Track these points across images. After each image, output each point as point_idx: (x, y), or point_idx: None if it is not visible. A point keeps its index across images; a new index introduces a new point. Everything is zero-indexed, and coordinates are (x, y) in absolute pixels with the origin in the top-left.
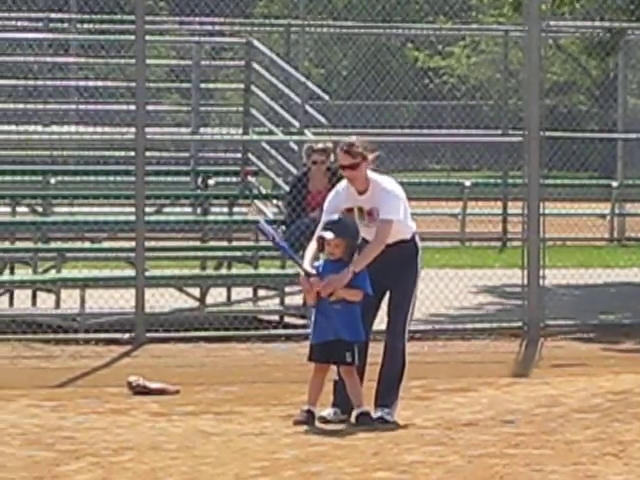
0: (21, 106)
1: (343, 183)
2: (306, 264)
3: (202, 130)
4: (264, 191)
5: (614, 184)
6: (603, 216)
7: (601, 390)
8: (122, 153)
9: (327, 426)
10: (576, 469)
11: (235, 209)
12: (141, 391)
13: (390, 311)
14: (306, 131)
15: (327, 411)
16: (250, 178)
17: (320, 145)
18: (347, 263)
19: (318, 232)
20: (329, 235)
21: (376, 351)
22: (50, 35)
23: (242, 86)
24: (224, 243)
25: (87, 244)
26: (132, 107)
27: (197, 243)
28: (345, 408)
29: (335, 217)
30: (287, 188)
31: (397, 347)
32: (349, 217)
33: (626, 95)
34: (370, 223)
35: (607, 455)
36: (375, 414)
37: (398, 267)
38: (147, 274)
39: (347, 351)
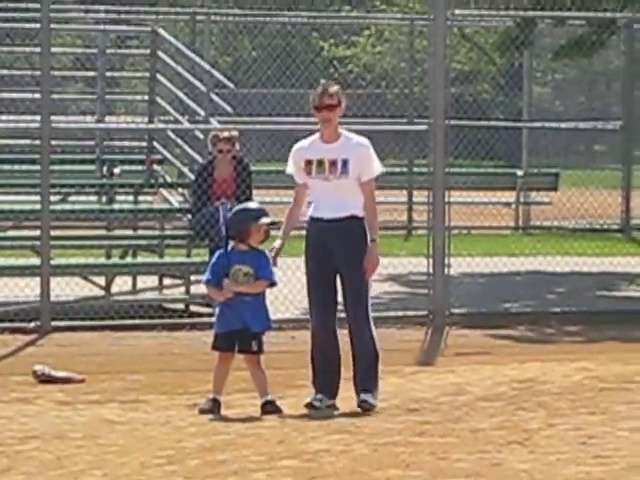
0: None
1: (307, 139)
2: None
3: (107, 118)
4: (170, 179)
5: (519, 173)
6: (508, 204)
7: (506, 378)
8: (27, 141)
9: (232, 414)
10: (481, 457)
11: (140, 198)
12: (46, 380)
13: (347, 297)
14: (212, 119)
15: (312, 397)
16: (155, 167)
17: (226, 133)
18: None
19: (259, 219)
20: (267, 220)
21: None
22: None
23: (147, 75)
24: (129, 232)
25: None
26: (37, 95)
27: (102, 232)
28: (331, 394)
29: (255, 205)
30: (193, 176)
31: (364, 335)
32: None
33: (531, 84)
34: (330, 175)
35: (512, 443)
36: (359, 398)
37: (349, 247)
38: (52, 263)
39: (253, 340)
